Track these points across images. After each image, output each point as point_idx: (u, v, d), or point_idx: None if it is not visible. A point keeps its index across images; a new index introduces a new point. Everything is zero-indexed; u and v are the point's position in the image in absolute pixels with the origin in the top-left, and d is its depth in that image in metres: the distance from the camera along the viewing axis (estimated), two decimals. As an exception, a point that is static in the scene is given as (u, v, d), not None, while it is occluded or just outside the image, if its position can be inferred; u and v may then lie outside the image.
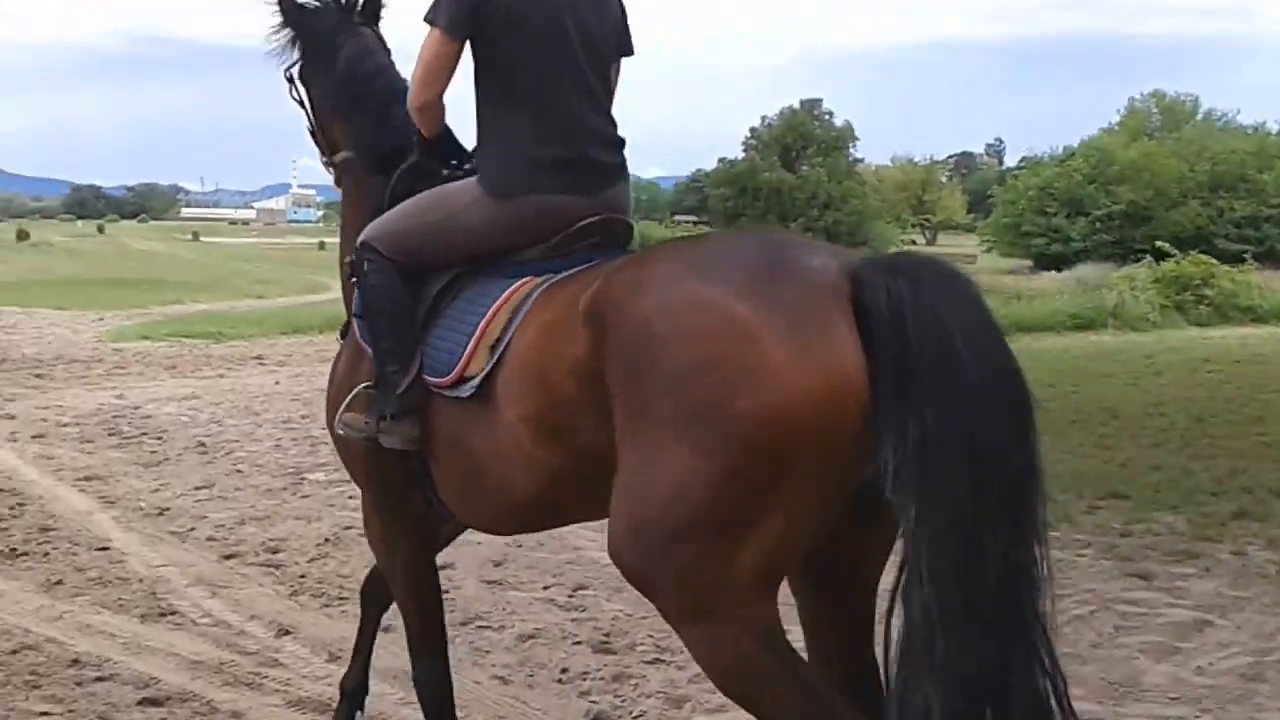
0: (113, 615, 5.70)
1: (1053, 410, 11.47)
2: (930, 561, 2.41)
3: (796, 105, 53.11)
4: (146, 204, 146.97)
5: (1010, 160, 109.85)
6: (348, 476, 4.08)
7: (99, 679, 4.89)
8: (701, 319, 2.53)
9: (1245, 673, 5.05)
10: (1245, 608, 5.85)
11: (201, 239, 77.18)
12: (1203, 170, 53.74)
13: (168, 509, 7.73)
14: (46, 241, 61.59)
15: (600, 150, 3.44)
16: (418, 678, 3.80)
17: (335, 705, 4.38)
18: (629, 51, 3.59)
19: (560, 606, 5.92)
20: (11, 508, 7.64)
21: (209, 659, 5.16)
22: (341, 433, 3.54)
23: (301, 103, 4.04)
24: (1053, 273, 38.95)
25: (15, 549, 6.71)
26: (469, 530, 3.96)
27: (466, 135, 3.65)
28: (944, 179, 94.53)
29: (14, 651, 5.16)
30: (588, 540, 6.59)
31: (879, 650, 2.69)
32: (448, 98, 3.56)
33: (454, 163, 3.68)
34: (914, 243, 62.81)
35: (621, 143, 3.52)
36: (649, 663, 5.15)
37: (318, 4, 3.95)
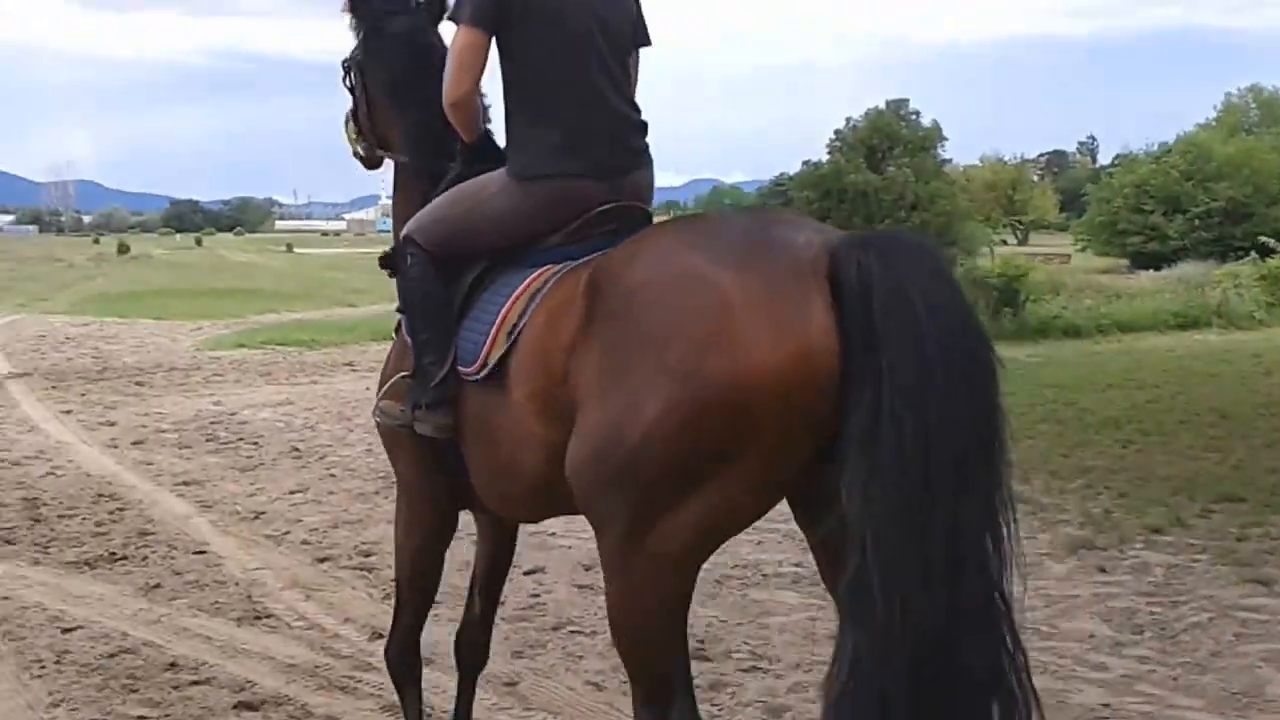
0: (209, 618, 5.73)
1: (1159, 412, 11.14)
2: (876, 531, 2.44)
3: (882, 106, 52.44)
4: (242, 217, 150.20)
5: (1103, 158, 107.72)
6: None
7: (195, 683, 4.90)
8: (683, 286, 2.64)
9: (1378, 683, 4.79)
10: (1374, 615, 5.57)
11: (295, 250, 78.54)
12: (1304, 166, 51.94)
13: (263, 513, 7.79)
14: (147, 254, 63.20)
15: (621, 135, 3.47)
16: (390, 646, 3.97)
17: None
18: (646, 42, 3.64)
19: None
20: (111, 513, 7.75)
21: (303, 663, 5.15)
22: (378, 420, 3.66)
23: (353, 90, 4.07)
24: (1151, 271, 37.97)
25: (115, 553, 6.79)
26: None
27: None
28: (1035, 178, 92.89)
29: (112, 655, 5.20)
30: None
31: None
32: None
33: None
34: (1004, 243, 61.80)
35: (644, 127, 3.55)
36: (745, 670, 5.02)
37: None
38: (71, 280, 39.67)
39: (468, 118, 3.57)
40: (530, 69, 3.40)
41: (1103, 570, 6.40)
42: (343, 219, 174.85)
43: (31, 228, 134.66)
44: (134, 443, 10.33)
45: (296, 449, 9.92)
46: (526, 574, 6.15)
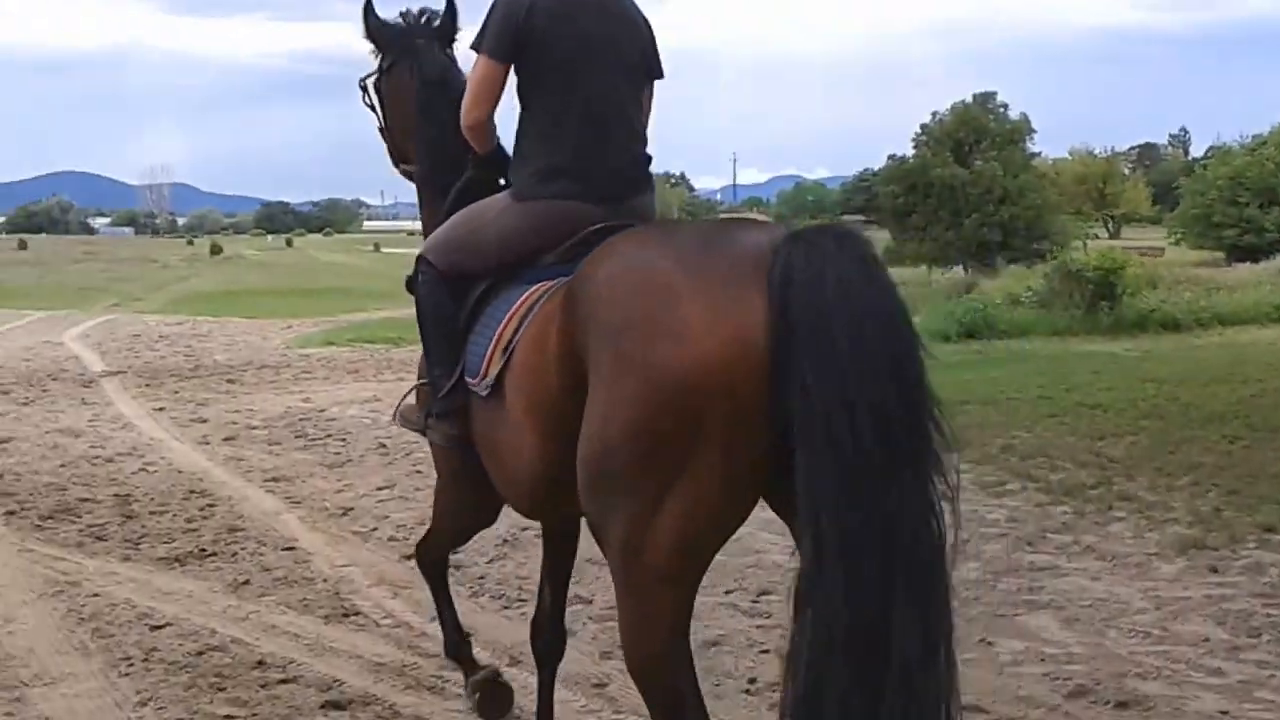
0: (297, 615, 5.70)
1: (1266, 407, 10.77)
2: (813, 514, 2.51)
3: (969, 99, 51.55)
4: (331, 218, 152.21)
5: (1196, 150, 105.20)
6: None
7: (283, 681, 4.86)
8: (635, 282, 2.78)
9: None
10: None
11: (382, 250, 79.35)
12: (1402, 155, 50.11)
13: (351, 509, 7.78)
14: (239, 255, 64.43)
15: (620, 165, 3.67)
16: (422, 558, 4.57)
17: None
18: (659, 74, 3.87)
19: (744, 612, 5.68)
20: (202, 509, 7.80)
21: (391, 661, 5.09)
22: (398, 423, 4.03)
23: (373, 107, 4.40)
24: (1248, 264, 36.92)
25: (204, 549, 6.82)
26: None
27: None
28: (1126, 171, 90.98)
29: (200, 653, 5.18)
30: (769, 543, 6.33)
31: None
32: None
33: (506, 178, 3.93)
34: (1096, 237, 60.53)
35: (646, 160, 3.79)
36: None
37: (400, 22, 4.31)
38: (166, 280, 40.50)
39: (482, 138, 3.88)
40: (540, 96, 3.65)
41: (1215, 571, 6.15)
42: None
43: (128, 229, 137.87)
44: (225, 439, 10.43)
45: (384, 445, 9.93)
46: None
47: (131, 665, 5.05)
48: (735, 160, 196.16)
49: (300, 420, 11.38)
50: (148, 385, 14.00)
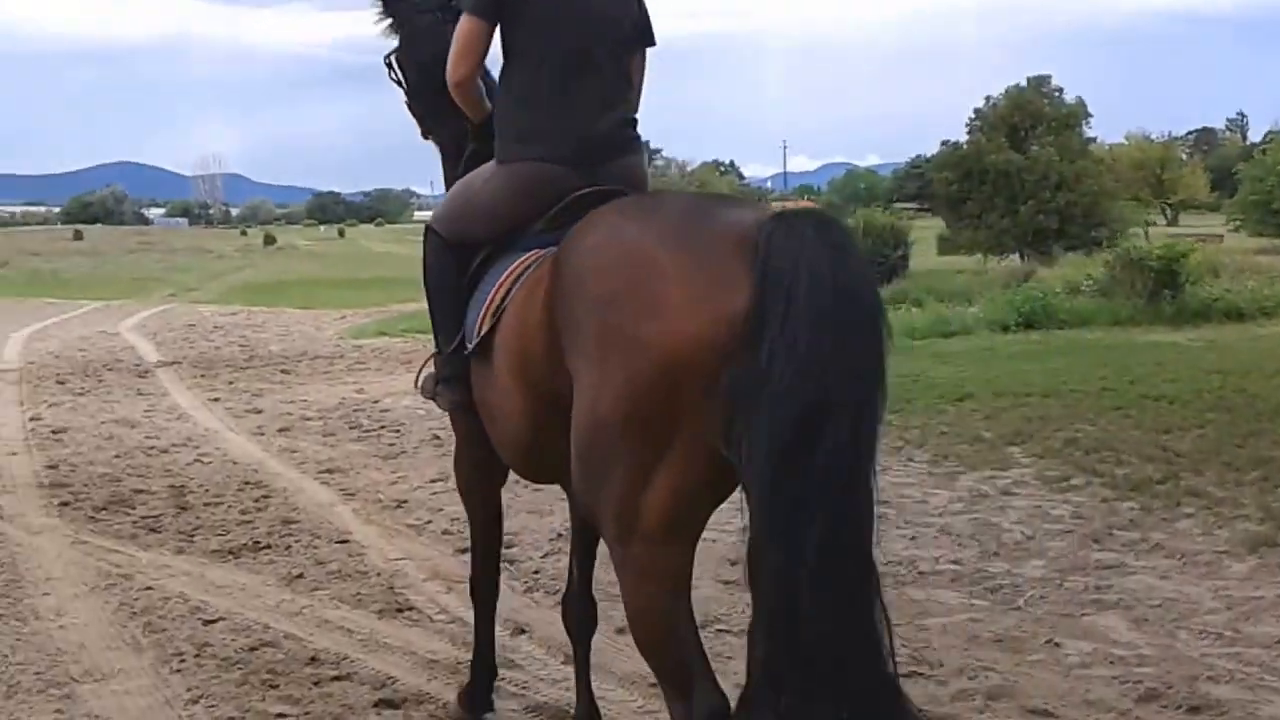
0: (351, 610, 5.65)
1: (1337, 398, 10.47)
2: (758, 491, 2.58)
3: (1023, 83, 50.75)
4: (382, 208, 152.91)
5: (1254, 135, 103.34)
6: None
7: (336, 678, 4.80)
8: (621, 256, 2.83)
9: None
10: None
11: (432, 239, 79.90)
12: None
13: (405, 501, 7.75)
14: (291, 245, 64.98)
15: (600, 127, 3.65)
16: (474, 584, 4.51)
17: None
18: (650, 42, 3.86)
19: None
20: (256, 500, 7.79)
21: (445, 658, 5.03)
22: (420, 394, 4.16)
23: (399, 83, 4.46)
24: (1313, 251, 36.22)
25: (259, 542, 6.80)
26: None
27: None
28: (1183, 156, 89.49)
29: (253, 649, 5.13)
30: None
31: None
32: None
33: None
34: (1154, 223, 59.54)
35: (630, 123, 3.77)
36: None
37: None
38: (220, 271, 40.93)
39: (470, 98, 3.89)
40: (518, 57, 3.68)
41: (1288, 569, 5.95)
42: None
43: (182, 220, 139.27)
44: (279, 430, 10.45)
45: (437, 436, 9.88)
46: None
47: (183, 661, 5.01)
48: (785, 147, 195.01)
49: (354, 411, 11.38)
50: (203, 376, 14.09)
